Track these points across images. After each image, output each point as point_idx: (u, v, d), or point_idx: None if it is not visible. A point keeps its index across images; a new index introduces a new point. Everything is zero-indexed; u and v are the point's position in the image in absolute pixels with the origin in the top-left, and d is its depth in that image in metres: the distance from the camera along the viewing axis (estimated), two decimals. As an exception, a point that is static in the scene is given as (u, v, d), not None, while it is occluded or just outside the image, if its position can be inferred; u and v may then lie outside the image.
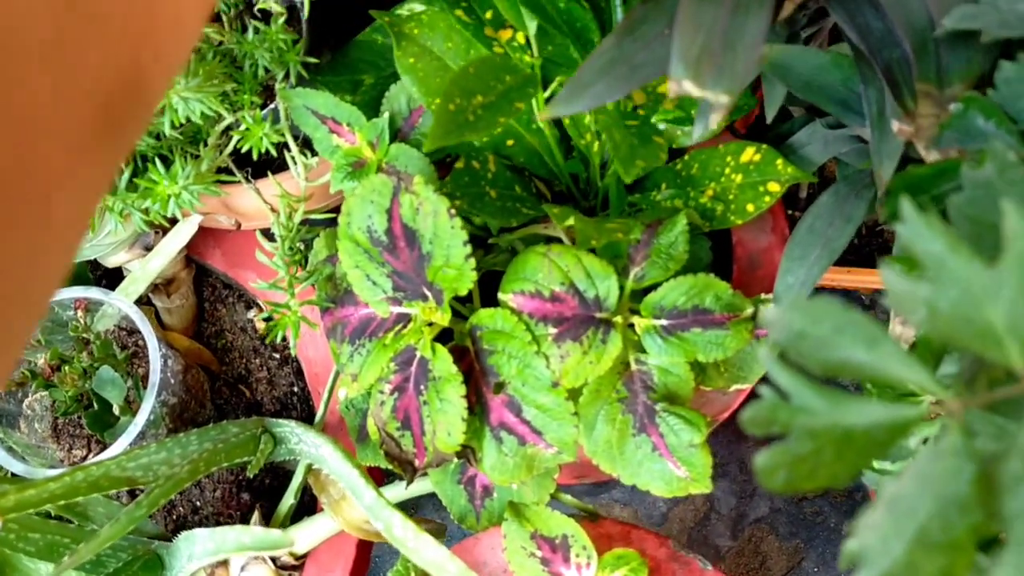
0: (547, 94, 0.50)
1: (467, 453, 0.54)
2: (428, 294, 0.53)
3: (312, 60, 0.61)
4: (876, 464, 0.45)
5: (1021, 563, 0.21)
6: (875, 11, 0.39)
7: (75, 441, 0.67)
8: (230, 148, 0.62)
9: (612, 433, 0.52)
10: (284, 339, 0.59)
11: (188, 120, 0.55)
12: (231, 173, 0.64)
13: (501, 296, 0.53)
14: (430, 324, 0.53)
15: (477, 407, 0.54)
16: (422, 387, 0.53)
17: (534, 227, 0.58)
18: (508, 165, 0.58)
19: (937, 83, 0.38)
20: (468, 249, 0.50)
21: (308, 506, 0.69)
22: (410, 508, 0.79)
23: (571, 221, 0.49)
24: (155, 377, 0.62)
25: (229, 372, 0.74)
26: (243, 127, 0.58)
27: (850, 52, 0.51)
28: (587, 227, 0.48)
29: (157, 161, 0.58)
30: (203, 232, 0.72)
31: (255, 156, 0.59)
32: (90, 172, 0.21)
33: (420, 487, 0.63)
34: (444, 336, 0.54)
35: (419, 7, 0.58)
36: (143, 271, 0.68)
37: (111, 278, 0.75)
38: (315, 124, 0.58)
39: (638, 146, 0.45)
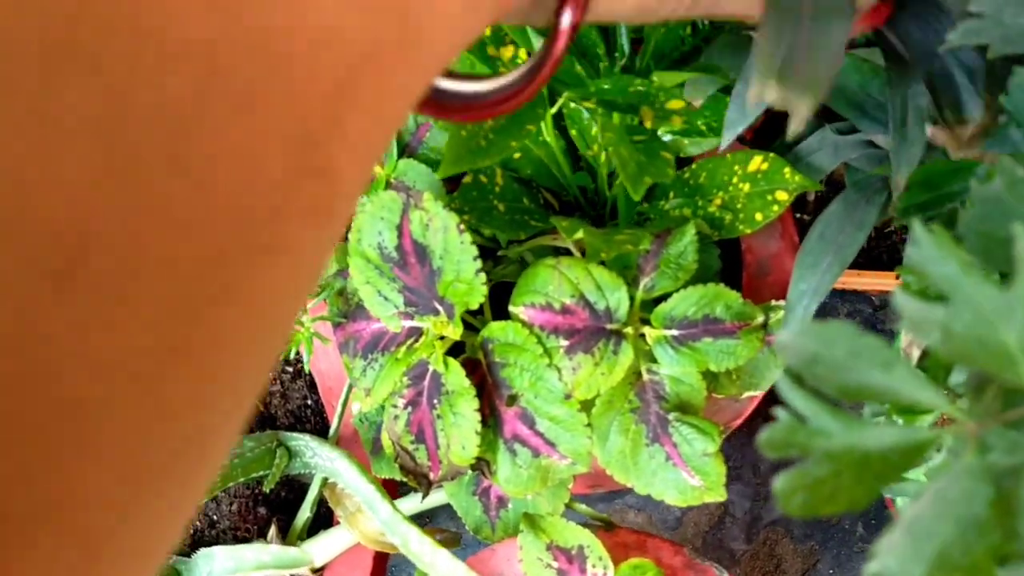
0: (554, 110, 0.50)
1: (481, 466, 0.55)
2: (439, 309, 0.53)
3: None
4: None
5: (1040, 584, 0.22)
6: (916, 19, 0.39)
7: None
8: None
9: (626, 443, 0.52)
10: (297, 353, 0.59)
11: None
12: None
13: (512, 309, 0.53)
14: (442, 338, 0.54)
15: (490, 420, 0.54)
16: (435, 401, 0.53)
17: (543, 238, 0.58)
18: (516, 177, 0.59)
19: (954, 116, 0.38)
20: (478, 264, 0.50)
21: (324, 518, 0.69)
22: (425, 517, 0.79)
23: (580, 234, 0.49)
24: (170, 395, 0.63)
25: (242, 386, 0.75)
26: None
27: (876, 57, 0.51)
28: (596, 240, 0.49)
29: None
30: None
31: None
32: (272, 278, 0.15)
33: (435, 498, 0.64)
34: (456, 349, 0.55)
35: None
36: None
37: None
38: (323, 141, 0.59)
39: (646, 163, 0.46)
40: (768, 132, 0.59)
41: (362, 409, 0.60)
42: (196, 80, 0.13)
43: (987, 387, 0.25)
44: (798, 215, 0.71)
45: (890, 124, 0.43)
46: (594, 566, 0.55)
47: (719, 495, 0.51)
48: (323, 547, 0.65)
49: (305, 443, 0.65)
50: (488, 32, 0.53)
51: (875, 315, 0.82)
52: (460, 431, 0.52)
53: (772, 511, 0.80)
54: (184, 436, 0.14)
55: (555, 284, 0.51)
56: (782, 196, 0.52)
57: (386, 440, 0.56)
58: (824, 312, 0.82)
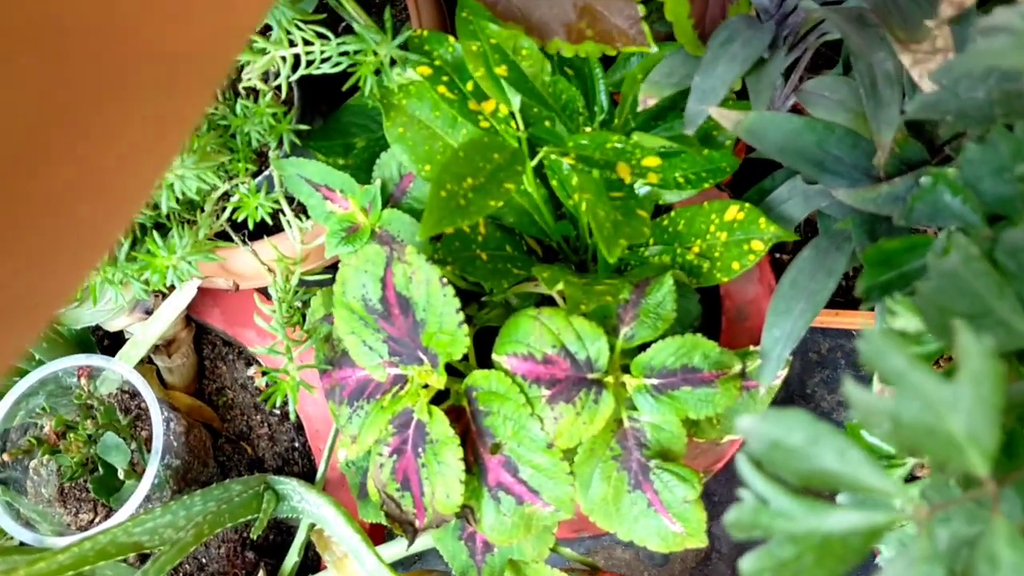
0: (534, 162, 0.52)
1: (466, 513, 0.55)
2: (424, 358, 0.54)
3: (304, 127, 0.62)
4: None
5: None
6: None
7: (81, 505, 0.68)
8: (227, 215, 0.63)
9: (608, 490, 0.53)
10: (284, 399, 0.60)
11: (183, 193, 0.56)
12: (228, 237, 0.65)
13: (495, 358, 0.54)
14: (426, 386, 0.54)
15: (475, 467, 0.55)
16: (420, 450, 0.54)
17: (526, 285, 0.59)
18: (499, 225, 0.60)
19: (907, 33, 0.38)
20: (461, 316, 0.51)
21: (312, 562, 0.70)
22: (414, 557, 0.80)
23: (561, 286, 0.50)
24: (158, 443, 0.63)
25: (231, 429, 0.75)
26: (238, 196, 0.59)
27: (833, 97, 0.52)
28: (576, 291, 0.50)
29: (154, 232, 0.59)
30: (202, 292, 0.73)
31: (251, 225, 0.60)
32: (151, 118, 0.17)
33: (422, 542, 0.64)
34: (441, 396, 0.56)
35: (410, 73, 0.60)
36: (144, 335, 0.69)
37: (113, 341, 0.76)
38: (309, 192, 0.60)
39: (622, 222, 0.47)
40: (743, 181, 0.60)
41: (348, 456, 0.61)
42: None
43: (944, 470, 0.26)
44: (776, 255, 0.72)
45: (861, 91, 0.44)
46: (578, 611, 0.55)
47: (700, 541, 0.52)
48: (312, 591, 0.65)
49: (292, 487, 0.66)
50: (469, 87, 0.54)
51: (855, 350, 0.83)
52: (445, 479, 0.53)
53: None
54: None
55: (536, 334, 0.52)
56: (758, 246, 0.53)
57: (372, 487, 0.57)
58: (806, 348, 0.83)
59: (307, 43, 0.56)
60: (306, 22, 0.56)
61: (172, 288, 0.69)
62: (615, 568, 0.82)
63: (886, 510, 0.25)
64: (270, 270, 0.64)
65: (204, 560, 0.71)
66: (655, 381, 0.52)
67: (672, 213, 0.57)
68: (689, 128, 0.48)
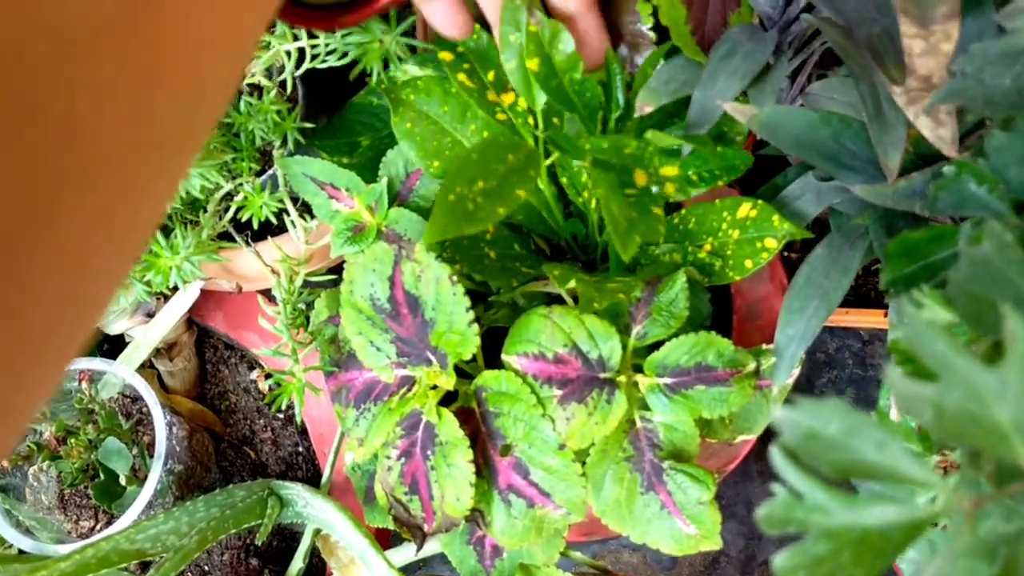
0: (548, 162, 0.51)
1: (476, 516, 0.54)
2: (432, 359, 0.53)
3: (308, 125, 0.61)
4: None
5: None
6: None
7: (82, 512, 0.67)
8: (230, 215, 0.62)
9: (620, 492, 0.52)
10: (289, 402, 0.59)
11: (187, 192, 0.56)
12: (231, 237, 0.65)
13: (505, 358, 0.53)
14: (435, 387, 0.53)
15: (485, 470, 0.54)
16: (429, 452, 0.53)
17: (535, 284, 0.59)
18: (507, 223, 0.59)
19: (915, 0, 0.38)
20: (471, 315, 0.50)
21: (317, 568, 0.68)
22: (419, 563, 0.78)
23: (572, 284, 0.49)
24: (161, 448, 0.62)
25: (233, 434, 0.74)
26: (242, 196, 0.59)
27: (840, 99, 0.51)
28: (589, 289, 0.49)
29: (157, 233, 0.58)
30: (204, 295, 0.72)
31: (255, 225, 0.59)
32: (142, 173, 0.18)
33: (430, 547, 0.63)
34: (450, 397, 0.55)
35: (414, 70, 0.59)
36: (145, 338, 0.68)
37: (113, 344, 0.75)
38: (314, 191, 0.59)
39: (636, 219, 0.46)
40: (754, 179, 0.59)
41: (355, 459, 0.60)
42: None
43: (982, 461, 0.25)
44: (785, 253, 0.71)
45: (864, 114, 0.43)
46: (591, 616, 0.54)
47: (714, 543, 0.51)
48: (317, 597, 0.64)
49: (297, 492, 0.65)
50: (490, 77, 0.53)
51: (864, 350, 0.82)
52: (454, 482, 0.52)
53: (767, 549, 0.79)
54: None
55: (548, 333, 0.51)
56: (771, 244, 0.52)
57: (379, 490, 0.56)
58: (814, 348, 0.82)
59: (312, 36, 0.55)
60: (311, 18, 0.55)
61: (174, 290, 0.68)
62: (622, 569, 0.81)
63: (927, 504, 0.24)
64: (274, 271, 0.63)
65: (207, 567, 0.70)
66: (668, 380, 0.51)
67: (683, 211, 0.56)
68: (687, 149, 0.48)
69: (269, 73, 0.59)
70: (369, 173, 0.61)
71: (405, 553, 0.64)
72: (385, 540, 0.70)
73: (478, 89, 0.53)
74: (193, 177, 0.55)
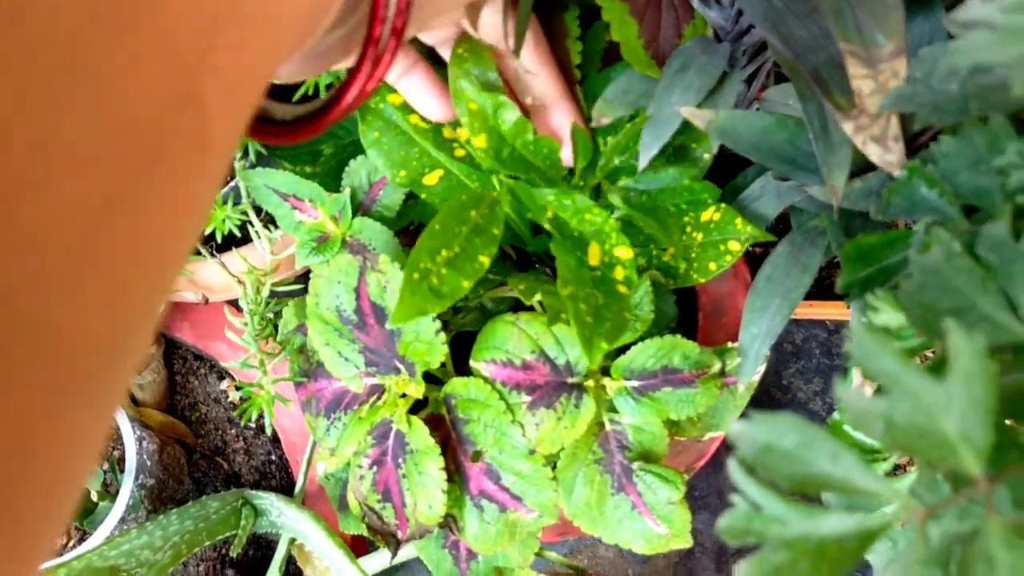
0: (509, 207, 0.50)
1: (449, 522, 0.55)
2: (401, 367, 0.53)
3: (270, 136, 0.61)
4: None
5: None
6: (798, 20, 0.40)
7: (53, 529, 0.66)
8: (193, 227, 0.62)
9: (591, 494, 0.53)
10: (260, 413, 0.59)
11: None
12: (196, 249, 0.64)
13: (473, 364, 0.54)
14: (404, 396, 0.54)
15: (456, 476, 0.54)
16: (400, 460, 0.53)
17: (502, 289, 0.59)
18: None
19: (860, 41, 0.38)
20: (437, 324, 0.51)
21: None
22: (396, 567, 0.79)
23: (539, 296, 0.49)
24: (131, 464, 0.62)
25: (205, 444, 0.74)
26: (205, 210, 0.58)
27: (797, 104, 0.52)
28: (555, 301, 0.49)
29: (120, 249, 0.58)
30: (170, 306, 0.72)
31: (219, 238, 0.59)
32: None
33: (405, 552, 0.63)
34: (420, 404, 0.55)
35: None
36: (112, 352, 0.67)
37: (79, 358, 0.74)
38: (277, 202, 0.59)
39: (603, 307, 0.45)
40: (715, 178, 0.60)
41: (327, 469, 0.60)
42: (82, 2, 0.15)
43: (935, 470, 0.26)
44: (749, 247, 0.72)
45: (811, 135, 0.44)
46: (566, 616, 0.55)
47: (685, 542, 0.52)
48: (294, 606, 0.64)
49: (271, 502, 0.65)
50: None
51: (830, 339, 0.83)
52: (426, 490, 0.52)
53: (739, 539, 0.81)
54: (97, 339, 0.16)
55: (515, 340, 0.52)
56: (734, 246, 0.53)
57: (352, 499, 0.56)
58: (782, 340, 0.83)
59: (271, 51, 0.55)
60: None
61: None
62: (599, 566, 0.81)
63: (880, 513, 0.24)
64: (240, 282, 0.63)
65: (182, 579, 0.70)
66: (635, 383, 0.51)
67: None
68: (644, 159, 0.48)
69: (228, 84, 0.59)
70: (333, 182, 0.61)
71: (381, 559, 0.64)
72: (362, 546, 0.71)
73: (432, 129, 0.53)
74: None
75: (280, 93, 0.59)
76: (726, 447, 0.73)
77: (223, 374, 0.75)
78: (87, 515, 0.65)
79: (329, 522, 0.66)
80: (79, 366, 0.16)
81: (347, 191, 0.57)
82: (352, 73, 0.34)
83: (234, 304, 0.72)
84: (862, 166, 0.47)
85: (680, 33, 0.46)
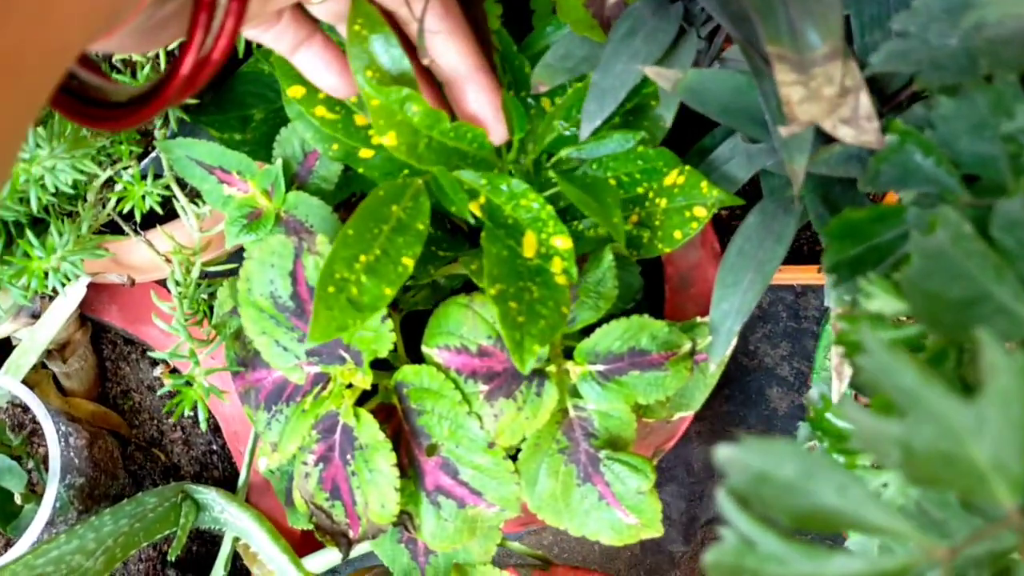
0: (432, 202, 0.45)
1: (404, 520, 0.51)
2: (346, 356, 0.49)
3: (192, 101, 0.55)
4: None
5: None
6: None
7: (-25, 535, 0.61)
8: (113, 203, 0.56)
9: (556, 486, 0.49)
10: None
11: (56, 187, 0.49)
12: (118, 227, 0.59)
13: (425, 351, 0.50)
14: (350, 386, 0.49)
15: (410, 470, 0.50)
16: (348, 456, 0.49)
17: (454, 265, 0.54)
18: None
19: (792, 44, 0.34)
20: (385, 310, 0.46)
21: (241, 573, 0.64)
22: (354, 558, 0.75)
23: (491, 273, 0.45)
24: (56, 463, 0.57)
25: (140, 435, 0.69)
26: (122, 187, 0.53)
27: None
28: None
29: (28, 231, 0.52)
30: (95, 288, 0.66)
31: (137, 216, 0.53)
32: None
33: (360, 546, 0.60)
34: (369, 393, 0.51)
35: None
36: (32, 341, 0.62)
37: (-2, 348, 0.69)
38: (202, 175, 0.53)
39: (536, 302, 0.40)
40: (679, 141, 0.55)
41: (270, 466, 0.55)
42: None
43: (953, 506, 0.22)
44: (718, 211, 0.68)
45: (767, 115, 0.40)
46: (531, 613, 0.52)
47: (656, 531, 0.49)
48: (242, 606, 0.60)
49: (212, 497, 0.60)
50: (353, 100, 0.47)
51: (797, 302, 0.80)
52: (377, 488, 0.48)
53: (708, 510, 0.78)
54: None
55: (469, 324, 0.48)
56: (700, 212, 0.49)
57: (299, 498, 0.52)
58: (747, 304, 0.80)
59: (187, 7, 0.49)
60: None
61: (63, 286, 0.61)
62: (563, 542, 0.79)
63: (898, 552, 0.21)
64: (168, 261, 0.58)
65: (122, 579, 0.66)
66: (601, 367, 0.47)
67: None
68: (586, 130, 0.43)
69: (143, 45, 0.53)
70: (264, 150, 0.56)
71: (333, 556, 0.60)
72: (315, 543, 0.67)
73: (343, 119, 0.47)
74: (63, 170, 0.49)
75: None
76: (694, 417, 0.70)
77: (157, 360, 0.70)
78: (10, 520, 0.60)
79: (276, 516, 0.62)
80: None
81: (279, 162, 0.52)
82: (184, 45, 0.31)
83: (164, 285, 0.66)
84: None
85: (629, -8, 0.42)
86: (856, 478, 0.21)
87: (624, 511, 0.48)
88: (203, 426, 0.52)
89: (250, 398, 0.54)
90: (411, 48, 0.44)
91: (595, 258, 0.48)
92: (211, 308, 0.59)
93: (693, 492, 0.79)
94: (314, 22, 0.42)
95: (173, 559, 0.58)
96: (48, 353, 0.67)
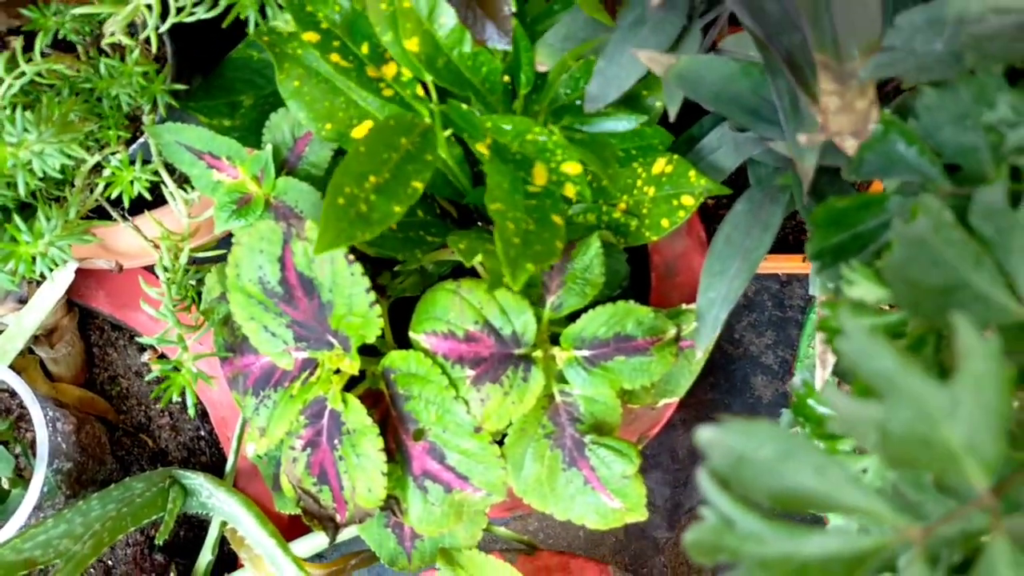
0: (447, 133, 0.46)
1: (391, 504, 0.51)
2: (334, 342, 0.49)
3: (181, 87, 0.55)
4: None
5: None
6: None
7: (-38, 520, 0.61)
8: (101, 189, 0.56)
9: (542, 470, 0.50)
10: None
11: (44, 172, 0.49)
12: (106, 212, 0.59)
13: (413, 336, 0.50)
14: (338, 372, 0.50)
15: (398, 455, 0.50)
16: (336, 441, 0.50)
17: (442, 251, 0.55)
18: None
19: (834, 54, 0.35)
20: (372, 296, 0.46)
21: (228, 558, 0.65)
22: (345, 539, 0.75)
23: (479, 258, 0.45)
24: (43, 449, 0.57)
25: (128, 420, 0.69)
26: (110, 172, 0.53)
27: (757, 54, 0.48)
28: (496, 263, 0.45)
29: (15, 216, 0.52)
30: (83, 273, 0.66)
31: (126, 203, 0.53)
32: None
33: (346, 531, 0.60)
34: (356, 378, 0.51)
35: (289, 25, 0.53)
36: (19, 327, 0.62)
37: (-16, 333, 0.68)
38: (191, 160, 0.53)
39: (533, 233, 0.41)
40: (668, 129, 0.56)
41: (258, 451, 0.56)
42: None
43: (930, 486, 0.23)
44: (705, 200, 0.69)
45: (780, 113, 0.40)
46: (517, 597, 0.52)
47: (640, 515, 0.49)
48: (230, 590, 0.61)
49: (200, 483, 0.60)
50: (365, 50, 0.48)
51: (782, 291, 0.81)
52: (365, 472, 0.48)
53: (692, 496, 0.79)
54: None
55: (457, 310, 0.48)
56: (688, 201, 0.49)
57: (286, 482, 0.52)
58: (733, 293, 0.81)
59: (175, -11, 0.49)
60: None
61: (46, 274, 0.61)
62: (550, 527, 0.79)
63: (873, 533, 0.21)
64: (156, 247, 0.58)
65: (110, 562, 0.66)
66: (587, 353, 0.48)
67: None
68: (590, 106, 0.44)
69: (132, 30, 0.53)
70: (254, 137, 0.56)
71: (320, 540, 0.60)
72: (302, 527, 0.67)
73: (355, 67, 0.47)
74: (51, 155, 0.48)
75: (208, 27, 0.53)
76: (679, 405, 0.71)
77: (144, 346, 0.70)
78: (-2, 504, 0.60)
79: (264, 501, 0.62)
80: None
81: (269, 147, 0.52)
82: None
83: (152, 271, 0.66)
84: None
85: (635, -27, 0.42)
86: (834, 460, 0.21)
87: (609, 495, 0.49)
88: (191, 412, 0.52)
89: (238, 384, 0.55)
90: None
91: (583, 244, 0.48)
92: (199, 294, 0.59)
93: (678, 479, 0.79)
94: None
95: (160, 543, 0.58)
96: (35, 339, 0.67)
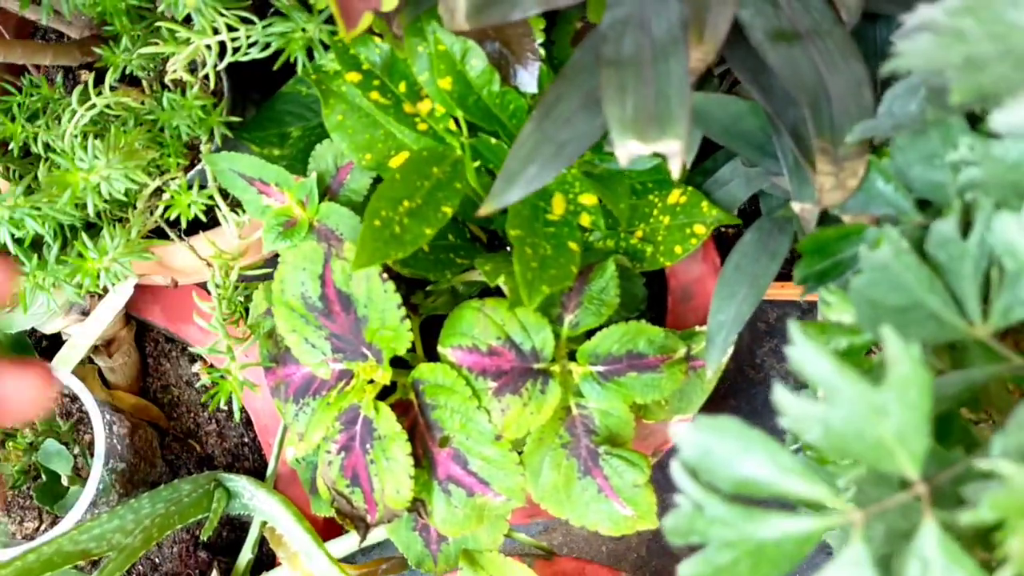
0: (476, 164, 0.50)
1: (418, 506, 0.55)
2: (368, 354, 0.53)
3: (235, 119, 0.60)
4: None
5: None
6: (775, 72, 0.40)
7: (26, 513, 0.66)
8: (160, 211, 0.61)
9: (558, 478, 0.53)
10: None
11: (110, 194, 0.55)
12: (164, 233, 0.64)
13: (440, 350, 0.54)
14: (371, 382, 0.54)
15: (424, 460, 0.54)
16: (368, 446, 0.54)
17: (471, 272, 0.59)
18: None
19: (831, 140, 0.38)
20: (403, 311, 0.50)
21: (267, 558, 0.69)
22: (373, 544, 0.79)
23: (503, 279, 0.49)
24: (100, 448, 0.62)
25: (178, 427, 0.74)
26: (169, 195, 0.58)
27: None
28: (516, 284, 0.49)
29: (82, 234, 0.57)
30: (140, 289, 0.71)
31: (183, 224, 0.58)
32: None
33: (376, 533, 0.64)
34: (388, 389, 0.55)
35: (334, 65, 0.58)
36: (81, 337, 0.67)
37: (51, 342, 0.74)
38: (243, 186, 0.58)
39: (550, 259, 0.45)
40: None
41: (296, 454, 0.60)
42: None
43: (870, 475, 0.26)
44: (720, 228, 0.72)
45: (784, 168, 0.44)
46: (534, 598, 0.56)
47: (651, 523, 0.52)
48: (267, 588, 0.65)
49: (243, 485, 0.65)
50: (402, 89, 0.52)
51: (803, 318, 0.84)
52: (393, 475, 0.52)
53: (712, 515, 0.81)
54: None
55: (481, 326, 0.52)
56: (700, 230, 0.52)
57: (321, 484, 0.56)
58: (755, 318, 0.84)
59: (232, 29, 0.54)
60: (230, 8, 0.54)
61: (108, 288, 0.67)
62: (573, 542, 0.82)
63: (820, 516, 0.25)
64: (209, 265, 0.63)
65: (157, 560, 0.70)
66: (601, 368, 0.51)
67: (614, 196, 0.57)
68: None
69: (192, 68, 0.58)
70: (301, 164, 0.61)
71: (352, 541, 0.64)
72: (336, 527, 0.71)
73: (393, 104, 0.52)
74: (116, 179, 0.54)
75: (261, 65, 0.58)
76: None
77: (195, 357, 0.75)
78: (57, 499, 0.65)
79: (301, 504, 0.66)
80: None
81: (313, 175, 0.57)
82: None
83: (204, 287, 0.71)
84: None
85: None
86: (787, 453, 0.25)
87: (621, 503, 0.52)
88: (236, 416, 0.56)
89: (280, 392, 0.59)
90: None
91: (600, 268, 0.52)
92: (247, 309, 0.64)
93: (698, 498, 0.82)
94: None
95: (204, 539, 0.62)
96: (95, 348, 0.72)
